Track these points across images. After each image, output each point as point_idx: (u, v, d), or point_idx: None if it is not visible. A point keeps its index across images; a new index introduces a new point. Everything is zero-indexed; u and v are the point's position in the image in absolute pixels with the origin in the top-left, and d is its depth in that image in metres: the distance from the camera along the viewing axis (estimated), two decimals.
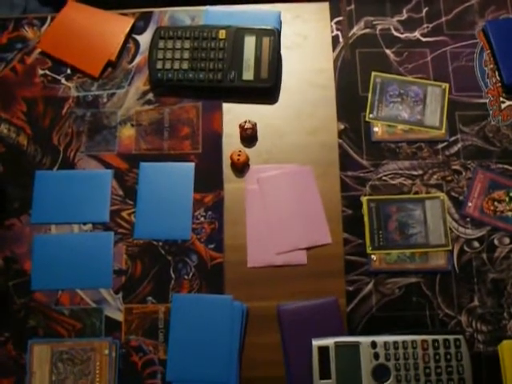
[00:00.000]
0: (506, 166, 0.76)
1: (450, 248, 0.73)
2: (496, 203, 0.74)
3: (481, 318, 0.71)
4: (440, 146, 0.77)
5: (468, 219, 0.74)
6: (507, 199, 0.75)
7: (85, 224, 0.74)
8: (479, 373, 0.68)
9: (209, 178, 0.76)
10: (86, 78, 0.81)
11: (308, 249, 0.73)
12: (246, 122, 0.77)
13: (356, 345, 0.66)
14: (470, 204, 0.74)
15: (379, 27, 0.82)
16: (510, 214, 0.74)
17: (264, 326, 0.70)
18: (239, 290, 0.71)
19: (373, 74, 0.80)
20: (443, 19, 0.83)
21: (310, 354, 0.66)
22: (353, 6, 0.83)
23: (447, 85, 0.80)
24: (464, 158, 0.77)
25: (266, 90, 0.79)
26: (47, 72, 0.81)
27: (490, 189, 0.75)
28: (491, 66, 0.81)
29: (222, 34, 0.79)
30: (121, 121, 0.79)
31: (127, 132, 0.78)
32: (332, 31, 0.83)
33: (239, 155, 0.76)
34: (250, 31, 0.79)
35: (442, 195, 0.75)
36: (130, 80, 0.81)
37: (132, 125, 0.78)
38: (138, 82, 0.81)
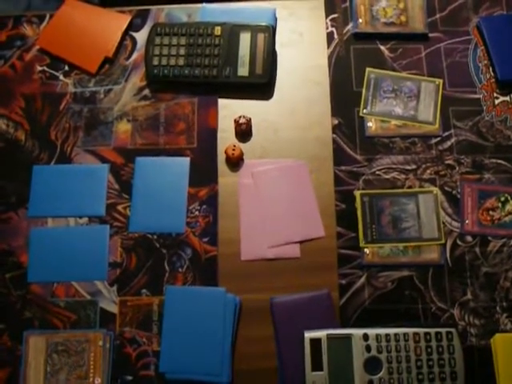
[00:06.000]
0: (499, 161, 0.76)
1: (443, 242, 0.73)
2: (491, 212, 0.74)
3: (473, 312, 0.71)
4: (433, 140, 0.78)
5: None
6: (500, 204, 0.74)
7: (81, 217, 0.75)
8: (472, 366, 0.68)
9: (203, 173, 0.77)
10: (84, 75, 0.82)
11: (301, 242, 0.74)
12: (240, 117, 0.77)
13: (348, 337, 0.67)
14: (467, 221, 0.74)
15: None
16: (507, 219, 0.74)
17: (257, 319, 0.71)
18: (232, 283, 0.72)
19: (367, 69, 0.81)
20: (437, 16, 0.83)
21: (302, 346, 0.67)
22: (347, 4, 0.84)
23: (441, 80, 0.80)
24: (457, 152, 0.77)
25: (260, 86, 0.80)
26: (45, 68, 0.82)
27: (480, 200, 0.75)
28: (485, 61, 0.81)
29: (218, 30, 0.80)
30: (117, 116, 0.79)
31: (123, 127, 0.79)
32: (327, 28, 0.83)
33: (234, 150, 0.76)
34: (245, 28, 0.80)
35: (436, 189, 0.75)
36: (127, 76, 0.82)
37: (128, 120, 0.79)
38: (135, 78, 0.82)
